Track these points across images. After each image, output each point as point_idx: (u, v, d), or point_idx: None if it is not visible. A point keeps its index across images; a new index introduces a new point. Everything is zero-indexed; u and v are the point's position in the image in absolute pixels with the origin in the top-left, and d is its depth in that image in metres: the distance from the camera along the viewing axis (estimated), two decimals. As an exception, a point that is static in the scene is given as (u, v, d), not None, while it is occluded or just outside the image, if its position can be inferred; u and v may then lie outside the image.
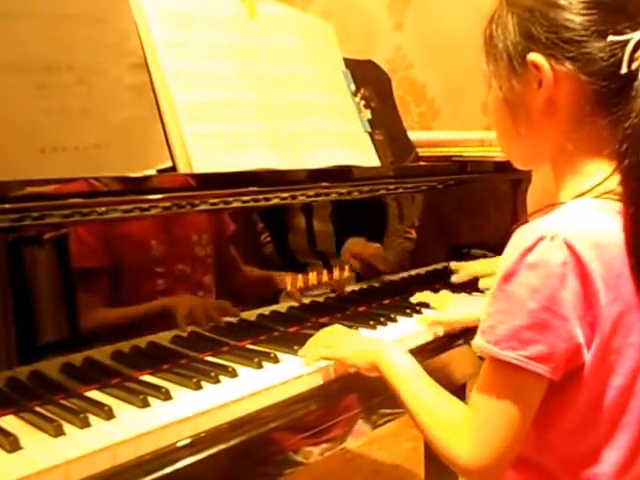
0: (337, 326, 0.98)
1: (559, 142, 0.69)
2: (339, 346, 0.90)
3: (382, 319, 1.10)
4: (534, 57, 0.67)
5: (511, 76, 0.69)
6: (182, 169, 0.98)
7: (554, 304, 0.61)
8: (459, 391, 1.45)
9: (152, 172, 0.94)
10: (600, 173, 0.67)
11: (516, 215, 1.54)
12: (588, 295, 0.62)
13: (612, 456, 0.65)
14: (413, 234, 1.33)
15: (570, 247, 0.61)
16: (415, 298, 1.17)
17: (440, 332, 1.10)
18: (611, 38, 0.64)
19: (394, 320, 1.11)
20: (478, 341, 0.66)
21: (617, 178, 0.66)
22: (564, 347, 0.62)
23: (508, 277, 0.63)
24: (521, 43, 0.68)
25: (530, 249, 0.62)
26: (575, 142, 0.68)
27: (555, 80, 0.66)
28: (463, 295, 1.22)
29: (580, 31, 0.65)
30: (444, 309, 1.13)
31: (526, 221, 0.66)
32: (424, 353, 1.04)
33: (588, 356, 0.63)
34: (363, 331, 1.05)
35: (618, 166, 0.65)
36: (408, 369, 0.78)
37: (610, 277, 0.62)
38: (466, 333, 1.11)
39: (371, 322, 1.08)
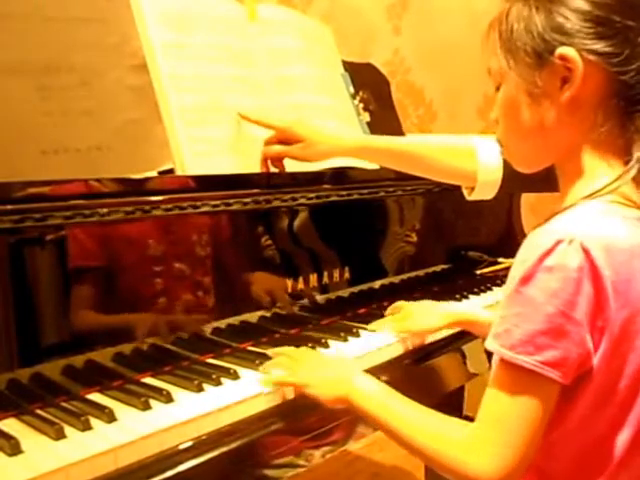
0: (303, 349, 0.91)
1: (575, 142, 0.68)
2: (301, 370, 0.83)
3: (382, 320, 1.10)
4: (565, 51, 0.64)
5: (535, 72, 0.67)
6: (178, 171, 0.98)
7: (571, 309, 0.61)
8: (458, 394, 1.46)
9: (153, 174, 0.93)
10: (610, 177, 0.66)
11: (510, 217, 1.54)
12: (600, 300, 0.61)
13: (613, 453, 0.65)
14: (412, 236, 1.33)
15: (586, 251, 0.61)
16: (373, 326, 1.07)
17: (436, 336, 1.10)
18: None
19: (394, 322, 1.11)
20: (491, 345, 0.65)
21: (624, 182, 0.65)
22: (577, 352, 0.62)
23: (526, 280, 0.62)
24: (550, 37, 0.65)
25: (548, 252, 0.61)
26: (592, 143, 0.67)
27: (583, 76, 0.64)
28: (427, 303, 1.14)
29: (614, 26, 0.64)
30: (410, 319, 1.07)
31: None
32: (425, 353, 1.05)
33: (595, 360, 0.63)
34: (361, 334, 1.04)
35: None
36: (389, 397, 0.75)
37: (619, 282, 0.62)
38: (455, 340, 1.11)
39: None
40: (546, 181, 0.75)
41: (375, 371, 0.91)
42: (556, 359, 0.61)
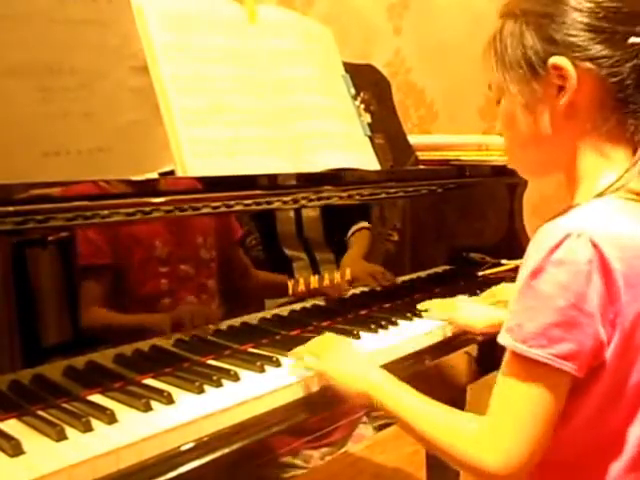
0: (328, 335, 0.95)
1: (577, 146, 0.70)
2: (326, 357, 0.86)
3: (383, 322, 1.10)
4: (557, 60, 0.67)
5: (530, 84, 0.70)
6: (179, 173, 0.98)
7: (582, 301, 0.62)
8: (460, 395, 1.46)
9: (154, 175, 0.94)
10: (616, 175, 0.68)
11: (513, 218, 1.54)
12: (610, 293, 0.63)
13: (626, 450, 0.66)
14: (414, 238, 1.33)
15: (595, 245, 0.62)
16: (422, 305, 1.17)
17: (439, 337, 1.10)
18: (632, 40, 0.66)
19: (395, 324, 1.11)
20: (504, 339, 0.66)
21: (631, 178, 0.67)
22: (590, 344, 0.63)
23: (535, 274, 0.64)
24: (542, 48, 0.69)
25: (557, 246, 0.63)
26: (594, 145, 0.69)
27: (578, 82, 0.67)
28: (468, 300, 1.21)
29: (601, 33, 0.66)
30: (454, 313, 1.12)
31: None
32: (425, 356, 1.05)
33: (608, 353, 0.64)
34: (364, 335, 1.05)
35: None
36: (402, 392, 0.76)
37: (632, 276, 0.63)
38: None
39: (372, 326, 1.08)
40: None
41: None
42: (571, 351, 0.62)
